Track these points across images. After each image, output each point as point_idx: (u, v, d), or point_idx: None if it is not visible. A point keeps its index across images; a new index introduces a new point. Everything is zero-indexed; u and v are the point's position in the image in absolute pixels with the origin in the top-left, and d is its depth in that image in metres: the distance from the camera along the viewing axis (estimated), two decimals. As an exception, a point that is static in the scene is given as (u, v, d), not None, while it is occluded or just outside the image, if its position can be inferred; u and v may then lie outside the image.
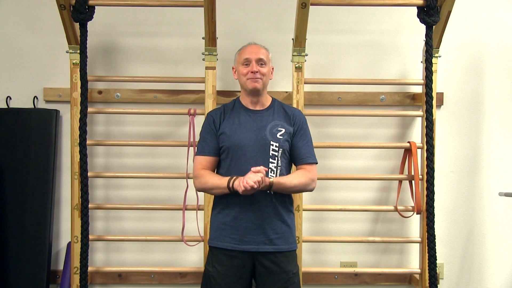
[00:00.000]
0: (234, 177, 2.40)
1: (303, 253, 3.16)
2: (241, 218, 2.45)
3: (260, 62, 2.53)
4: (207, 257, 2.57)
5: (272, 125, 2.53)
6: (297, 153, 2.55)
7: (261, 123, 2.53)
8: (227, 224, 2.47)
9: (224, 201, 2.48)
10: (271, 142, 2.48)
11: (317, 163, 2.59)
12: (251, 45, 2.59)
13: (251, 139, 2.48)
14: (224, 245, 2.46)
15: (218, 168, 2.56)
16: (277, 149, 2.49)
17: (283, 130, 2.52)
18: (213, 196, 2.61)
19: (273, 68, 2.64)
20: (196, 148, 2.67)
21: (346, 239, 3.36)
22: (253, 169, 2.35)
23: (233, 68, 2.65)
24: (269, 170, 2.46)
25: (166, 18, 3.38)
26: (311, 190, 2.58)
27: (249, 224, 2.44)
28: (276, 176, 2.48)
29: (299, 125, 2.57)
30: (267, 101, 2.61)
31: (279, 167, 2.49)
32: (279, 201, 2.48)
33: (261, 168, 2.36)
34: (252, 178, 2.31)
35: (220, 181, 2.44)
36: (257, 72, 2.51)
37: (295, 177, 2.49)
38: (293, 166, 2.63)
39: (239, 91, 3.29)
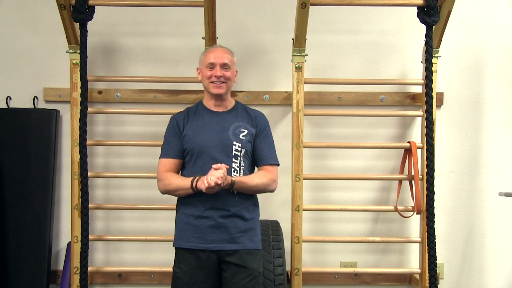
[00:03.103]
0: (197, 177, 2.41)
1: (303, 253, 3.16)
2: (204, 217, 2.45)
3: (225, 66, 2.54)
4: (174, 259, 2.55)
5: (235, 126, 2.54)
6: (259, 154, 2.56)
7: (224, 124, 2.54)
8: (190, 224, 2.48)
9: (187, 201, 2.49)
10: (234, 143, 2.49)
11: (278, 165, 2.59)
12: (216, 49, 2.59)
13: (214, 140, 2.49)
14: (188, 244, 2.46)
15: (182, 170, 2.57)
16: (239, 149, 2.50)
17: (246, 131, 2.54)
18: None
19: (237, 71, 2.65)
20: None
21: (346, 239, 3.36)
22: (214, 166, 2.37)
23: (197, 69, 2.64)
24: (232, 169, 2.46)
25: (166, 18, 3.38)
26: (272, 191, 2.57)
27: (212, 223, 2.45)
28: (239, 176, 2.48)
29: (261, 127, 2.59)
30: (230, 103, 2.62)
31: (242, 167, 2.50)
32: (242, 200, 2.49)
33: (222, 165, 2.37)
34: (215, 175, 2.33)
35: (183, 182, 2.45)
36: (221, 76, 2.52)
37: (257, 177, 2.51)
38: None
39: (238, 91, 3.32)
